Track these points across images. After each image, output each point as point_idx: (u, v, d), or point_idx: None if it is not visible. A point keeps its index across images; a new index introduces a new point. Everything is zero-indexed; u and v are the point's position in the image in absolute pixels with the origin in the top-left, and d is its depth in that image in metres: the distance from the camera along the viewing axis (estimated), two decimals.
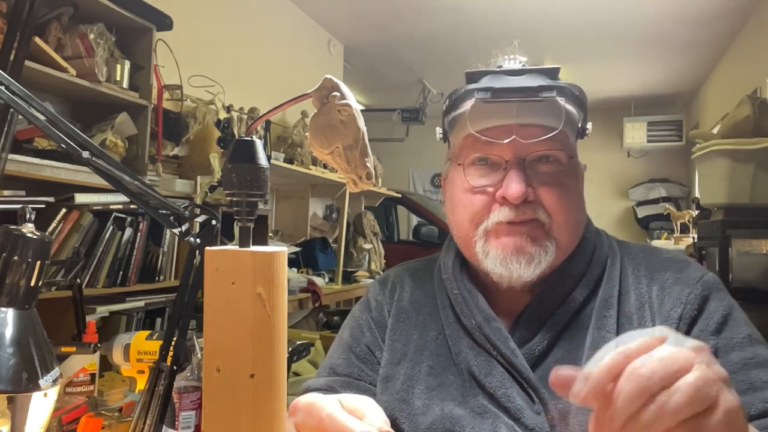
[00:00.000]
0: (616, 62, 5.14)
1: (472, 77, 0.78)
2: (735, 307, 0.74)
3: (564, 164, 0.76)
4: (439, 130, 0.86)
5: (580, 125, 0.80)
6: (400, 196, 4.85)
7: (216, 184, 2.31)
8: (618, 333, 0.72)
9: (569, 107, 0.76)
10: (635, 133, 6.40)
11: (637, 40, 4.52)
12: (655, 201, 6.59)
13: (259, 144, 0.43)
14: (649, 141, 6.37)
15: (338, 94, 0.45)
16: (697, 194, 4.28)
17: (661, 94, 6.14)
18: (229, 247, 0.41)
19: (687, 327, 0.71)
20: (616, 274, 0.77)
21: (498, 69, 0.77)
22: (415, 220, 6.15)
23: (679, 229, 4.84)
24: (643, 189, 6.82)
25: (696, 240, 3.14)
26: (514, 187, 0.72)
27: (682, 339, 0.42)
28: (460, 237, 0.81)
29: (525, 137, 0.73)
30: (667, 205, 5.45)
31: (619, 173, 6.92)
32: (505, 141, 0.73)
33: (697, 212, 3.49)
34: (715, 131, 3.03)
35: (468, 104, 0.76)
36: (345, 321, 0.91)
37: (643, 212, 6.69)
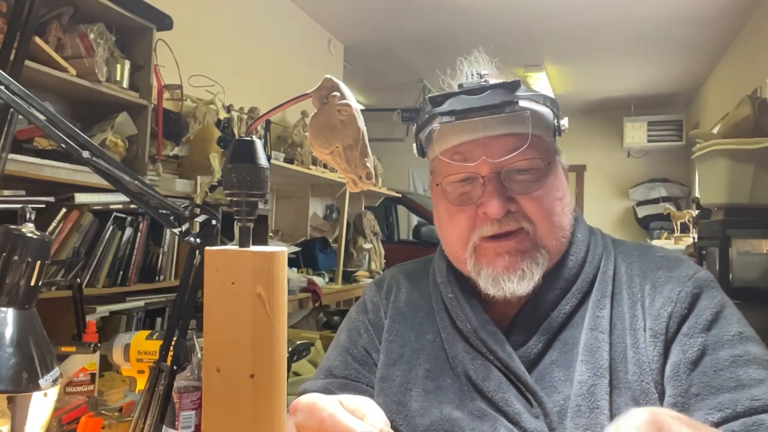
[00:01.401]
0: (616, 62, 5.13)
1: (435, 101, 0.78)
2: (727, 304, 0.73)
3: (542, 170, 0.76)
4: (415, 146, 0.86)
5: (555, 123, 0.79)
6: (400, 195, 4.84)
7: (216, 183, 2.31)
8: (611, 333, 0.72)
9: (537, 108, 0.76)
10: (635, 133, 6.39)
11: (637, 40, 4.52)
12: (656, 201, 6.58)
13: (259, 144, 0.42)
14: (649, 141, 6.37)
15: (338, 94, 0.45)
16: (697, 194, 4.28)
17: (662, 93, 6.14)
18: (229, 247, 0.41)
19: (677, 325, 0.71)
20: (609, 273, 0.77)
21: (459, 90, 0.76)
22: (415, 219, 6.14)
23: (679, 228, 4.83)
24: (643, 189, 6.81)
25: (696, 240, 3.14)
26: (493, 203, 0.73)
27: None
28: (451, 254, 0.81)
29: (495, 151, 0.74)
30: (668, 205, 5.45)
31: (619, 173, 6.91)
32: (474, 163, 0.74)
33: (697, 212, 3.49)
34: (715, 131, 3.03)
35: (435, 127, 0.76)
36: (342, 323, 0.91)
37: (643, 212, 6.68)
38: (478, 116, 0.73)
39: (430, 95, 0.79)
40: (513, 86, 0.74)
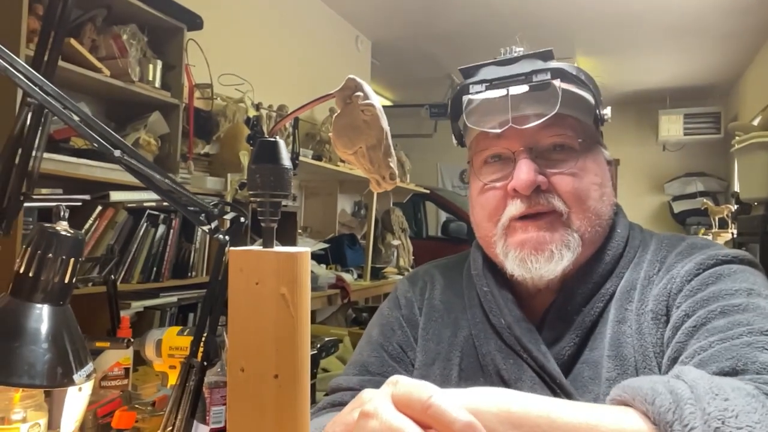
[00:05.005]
0: (651, 53, 5.00)
1: (467, 72, 0.77)
2: (740, 270, 0.65)
3: (578, 151, 0.73)
4: (453, 137, 0.85)
5: (597, 111, 0.77)
6: (428, 192, 4.82)
7: (246, 181, 2.33)
8: (640, 327, 0.68)
9: (573, 90, 0.74)
10: (671, 126, 6.22)
11: (673, 30, 4.39)
12: (692, 195, 6.40)
13: (282, 144, 0.42)
14: (685, 134, 6.19)
15: (361, 94, 0.45)
16: (736, 188, 4.14)
17: (698, 85, 5.96)
18: (253, 247, 0.41)
19: (675, 298, 0.66)
20: (642, 265, 0.74)
21: (490, 61, 0.75)
22: (443, 216, 6.11)
23: (717, 224, 4.69)
24: (679, 183, 6.64)
25: (735, 236, 3.05)
26: (521, 176, 0.70)
27: None
28: (481, 238, 0.80)
29: (526, 128, 0.72)
30: (705, 200, 5.29)
31: (654, 167, 6.75)
32: (501, 129, 0.72)
33: (736, 207, 3.38)
34: (755, 123, 2.93)
35: (465, 101, 0.76)
36: (372, 319, 0.89)
37: (679, 207, 6.51)
38: (507, 84, 0.72)
39: (460, 67, 0.78)
40: (545, 55, 0.73)
